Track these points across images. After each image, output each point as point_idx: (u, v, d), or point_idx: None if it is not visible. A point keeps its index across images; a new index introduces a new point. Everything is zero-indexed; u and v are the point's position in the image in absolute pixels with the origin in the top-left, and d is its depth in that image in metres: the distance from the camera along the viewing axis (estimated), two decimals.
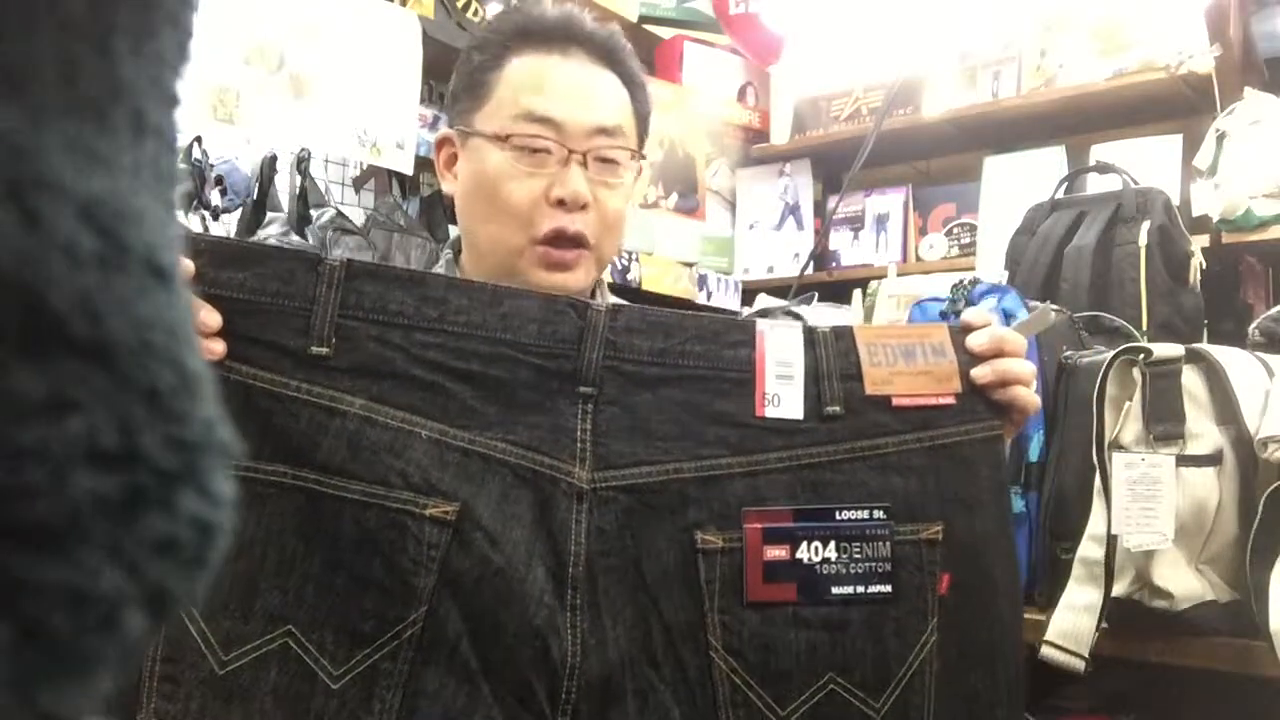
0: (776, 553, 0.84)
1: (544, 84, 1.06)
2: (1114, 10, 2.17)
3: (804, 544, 0.85)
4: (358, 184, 2.24)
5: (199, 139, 1.81)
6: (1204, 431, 1.17)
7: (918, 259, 2.48)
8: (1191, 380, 1.19)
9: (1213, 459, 1.17)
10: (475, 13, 2.16)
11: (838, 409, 0.87)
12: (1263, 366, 1.22)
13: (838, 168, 2.62)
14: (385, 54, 1.97)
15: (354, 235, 1.94)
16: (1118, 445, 1.20)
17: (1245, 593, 1.15)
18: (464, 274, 1.12)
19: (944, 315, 1.41)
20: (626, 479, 0.85)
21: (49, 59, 0.21)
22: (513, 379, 0.84)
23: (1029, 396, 0.92)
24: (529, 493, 0.83)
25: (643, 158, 1.13)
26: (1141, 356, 1.20)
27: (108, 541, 0.21)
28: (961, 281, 1.43)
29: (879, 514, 0.87)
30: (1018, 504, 1.35)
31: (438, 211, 2.17)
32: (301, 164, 1.96)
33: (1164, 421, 1.17)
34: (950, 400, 0.90)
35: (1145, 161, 2.00)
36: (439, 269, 1.15)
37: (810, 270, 2.59)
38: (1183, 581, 1.16)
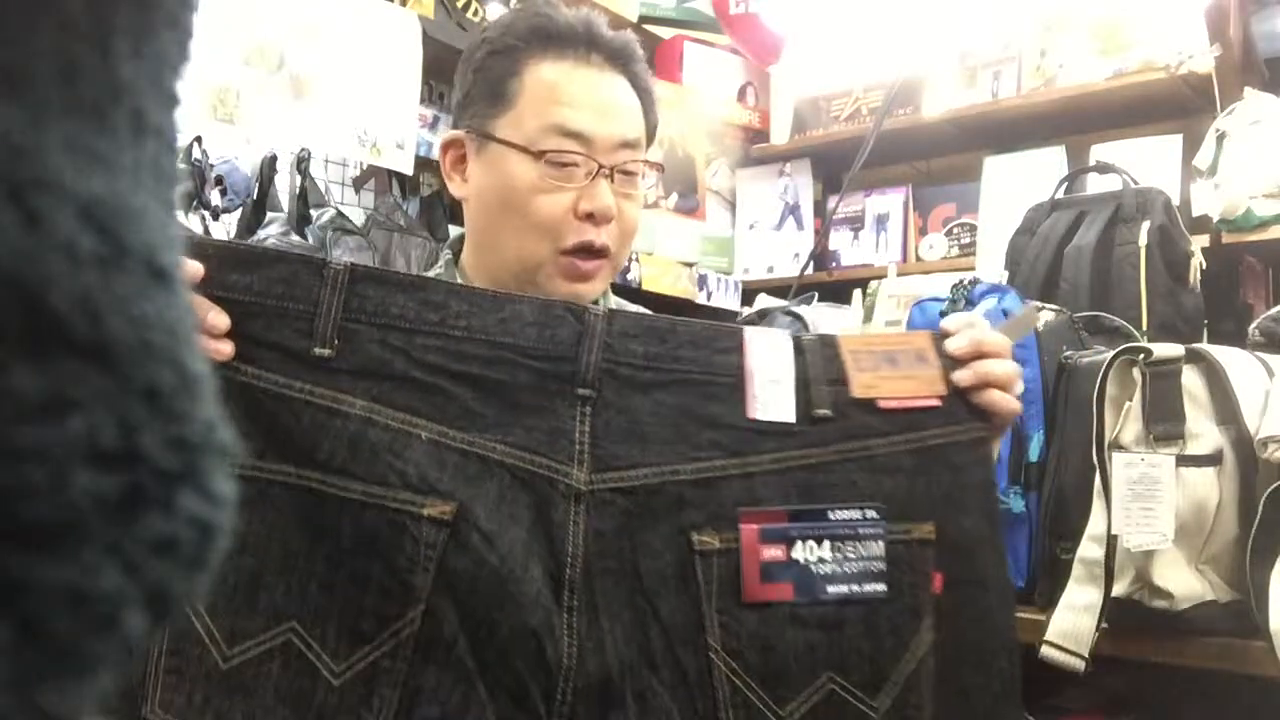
0: (773, 553, 0.85)
1: (570, 96, 1.05)
2: (1114, 10, 2.17)
3: (799, 544, 0.86)
4: (358, 184, 2.24)
5: (199, 139, 1.81)
6: (1204, 431, 1.17)
7: (918, 259, 2.48)
8: (1191, 380, 1.19)
9: (1213, 459, 1.17)
10: (475, 13, 2.16)
11: (826, 411, 0.88)
12: (1263, 366, 1.22)
13: (838, 168, 2.62)
14: (385, 54, 1.97)
15: (354, 235, 1.94)
16: (1118, 445, 1.20)
17: (1245, 593, 1.15)
18: (464, 275, 1.12)
19: (944, 315, 1.41)
20: (624, 481, 0.85)
21: (49, 59, 0.21)
22: (512, 382, 0.85)
23: (1006, 401, 0.92)
24: (527, 494, 0.84)
25: (660, 170, 1.14)
26: (1141, 356, 1.20)
27: (108, 541, 0.21)
28: (961, 281, 1.43)
29: (871, 513, 0.87)
30: (1018, 504, 1.35)
31: (438, 211, 2.17)
32: (301, 164, 1.96)
33: (1164, 421, 1.17)
34: (935, 402, 0.90)
35: (1145, 161, 2.00)
36: (438, 269, 1.15)
37: (810, 270, 2.59)
38: (1183, 581, 1.16)
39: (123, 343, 0.22)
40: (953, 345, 0.92)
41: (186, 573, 0.24)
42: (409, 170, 2.04)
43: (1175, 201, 1.84)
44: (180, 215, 1.61)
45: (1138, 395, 1.19)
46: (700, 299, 2.49)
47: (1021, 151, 2.30)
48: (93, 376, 0.21)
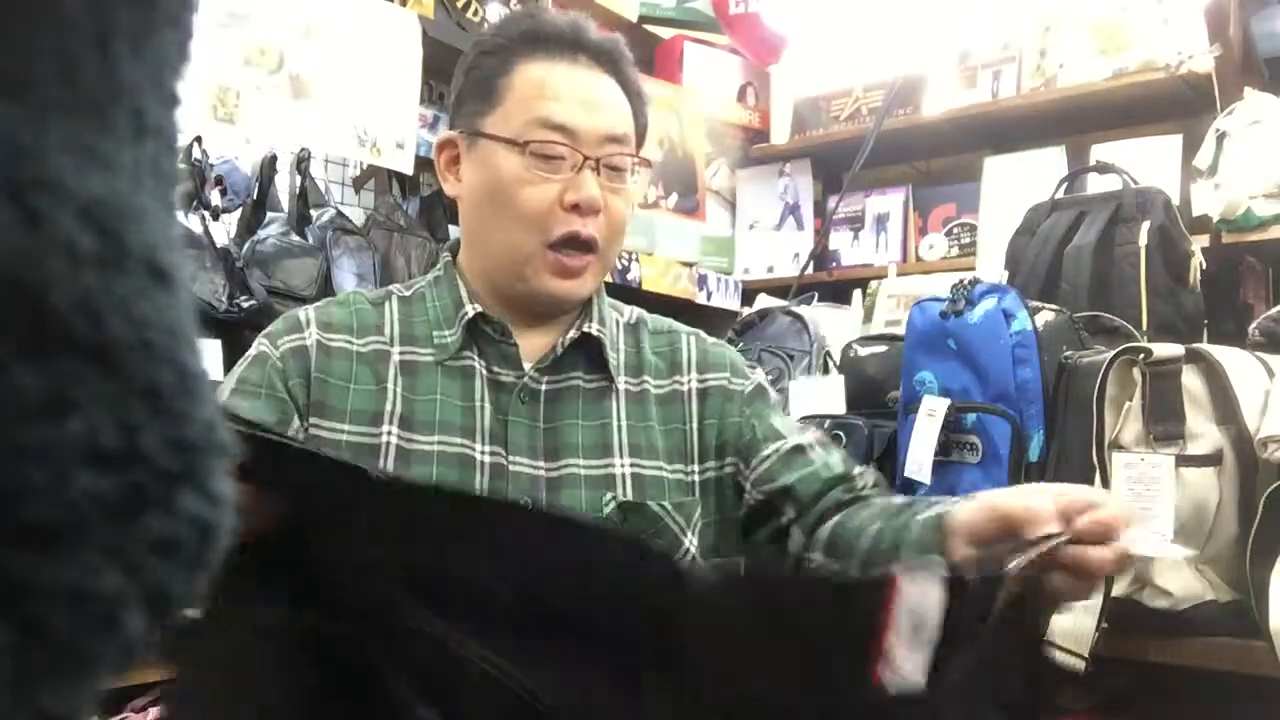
0: None
1: (556, 91, 1.08)
2: (1114, 10, 2.17)
3: None
4: (358, 184, 2.24)
5: (199, 139, 1.81)
6: (1204, 431, 1.17)
7: (918, 259, 2.48)
8: (1191, 380, 1.19)
9: (1213, 459, 1.17)
10: (475, 13, 2.16)
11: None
12: (1263, 366, 1.22)
13: (838, 168, 2.62)
14: (385, 54, 1.97)
15: (354, 235, 1.94)
16: (1118, 445, 1.20)
17: (1245, 593, 1.15)
18: (462, 276, 1.13)
19: (944, 315, 1.41)
20: None
21: (49, 59, 0.21)
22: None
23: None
24: None
25: (647, 165, 1.15)
26: (1141, 356, 1.20)
27: (108, 541, 0.21)
28: (961, 281, 1.43)
29: None
30: None
31: (438, 211, 2.17)
32: (301, 164, 1.96)
33: (1164, 421, 1.17)
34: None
35: (1145, 161, 2.00)
36: (437, 271, 1.16)
37: (810, 270, 2.59)
38: (1183, 581, 1.16)
39: (123, 343, 0.22)
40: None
41: (186, 573, 0.24)
42: (409, 170, 2.04)
43: (1175, 201, 1.84)
44: (180, 215, 1.61)
45: (1138, 395, 1.19)
46: (700, 299, 2.49)
47: (1021, 151, 2.30)
48: (93, 376, 0.21)
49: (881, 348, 1.68)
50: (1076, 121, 2.26)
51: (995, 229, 2.18)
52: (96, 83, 0.22)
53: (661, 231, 2.46)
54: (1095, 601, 1.19)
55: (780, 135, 2.77)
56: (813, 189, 2.69)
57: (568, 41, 1.09)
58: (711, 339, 1.23)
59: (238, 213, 1.91)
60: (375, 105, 1.94)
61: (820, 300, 2.33)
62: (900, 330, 1.65)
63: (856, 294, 2.27)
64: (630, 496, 1.06)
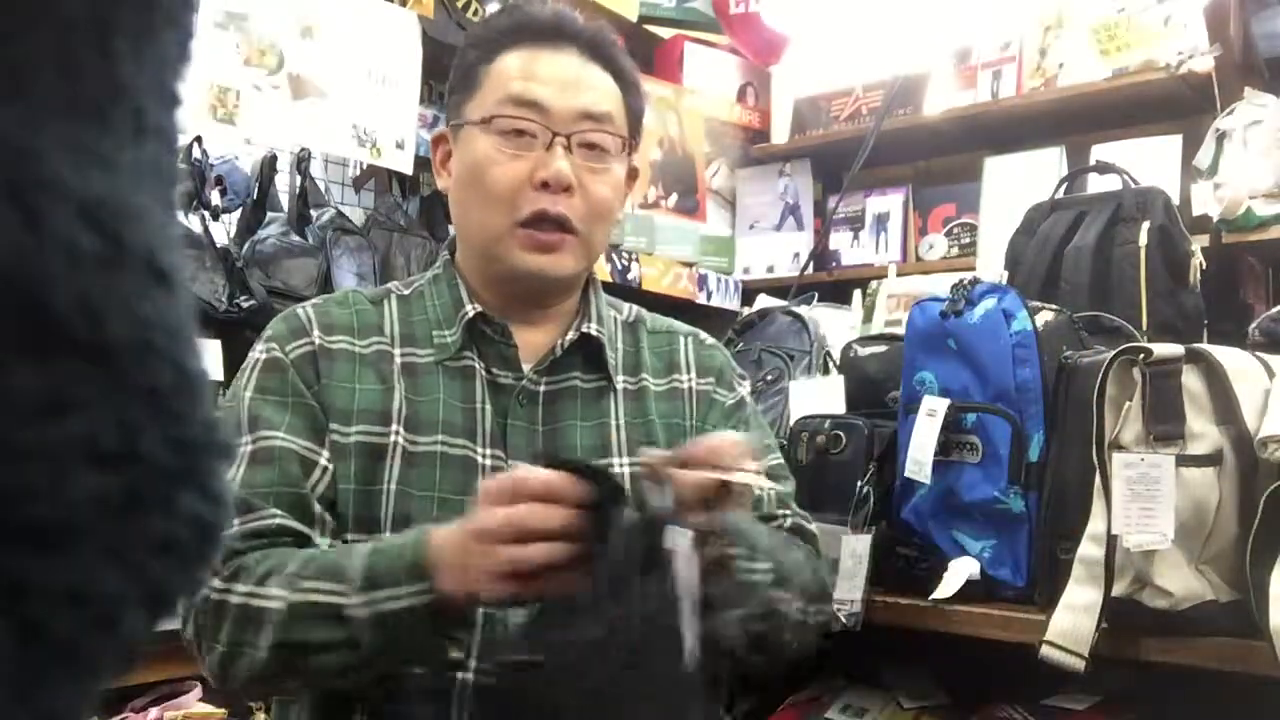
0: None
1: (532, 72, 1.08)
2: (1114, 10, 2.17)
3: None
4: (358, 184, 2.24)
5: (199, 139, 1.81)
6: (1204, 431, 1.17)
7: (918, 259, 2.48)
8: (1191, 380, 1.19)
9: (1213, 459, 1.17)
10: (475, 13, 2.16)
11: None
12: (1263, 366, 1.22)
13: (838, 168, 2.62)
14: (385, 54, 1.97)
15: (354, 235, 1.94)
16: (1118, 445, 1.20)
17: (1245, 593, 1.15)
18: (460, 272, 1.13)
19: (944, 315, 1.41)
20: None
21: (49, 59, 0.21)
22: None
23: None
24: None
25: (633, 145, 1.13)
26: (1141, 356, 1.20)
27: (108, 541, 0.21)
28: (961, 281, 1.43)
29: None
30: (1017, 504, 1.35)
31: (438, 211, 2.17)
32: (301, 164, 1.96)
33: (1164, 421, 1.17)
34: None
35: (1145, 161, 2.00)
36: (435, 270, 1.15)
37: (810, 270, 2.59)
38: (1183, 581, 1.16)
39: (123, 343, 0.22)
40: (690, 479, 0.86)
41: (186, 572, 0.24)
42: (409, 170, 2.04)
43: (1175, 201, 1.84)
44: (180, 215, 1.61)
45: (1138, 395, 1.19)
46: (700, 299, 2.49)
47: (1021, 151, 2.30)
48: (93, 376, 0.21)
49: (881, 348, 1.68)
50: (1076, 121, 2.26)
51: (995, 229, 2.18)
52: (96, 83, 0.22)
53: (661, 231, 2.46)
54: (1095, 601, 1.19)
55: (780, 135, 2.77)
56: (813, 189, 2.69)
57: (550, 30, 1.09)
58: (709, 341, 1.23)
59: (238, 213, 1.91)
60: (375, 105, 1.94)
61: (820, 300, 2.33)
62: (900, 330, 1.65)
63: (856, 294, 2.27)
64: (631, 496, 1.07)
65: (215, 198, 1.82)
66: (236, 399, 1.04)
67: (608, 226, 1.13)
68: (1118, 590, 1.19)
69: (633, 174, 1.18)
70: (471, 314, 1.09)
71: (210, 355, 1.60)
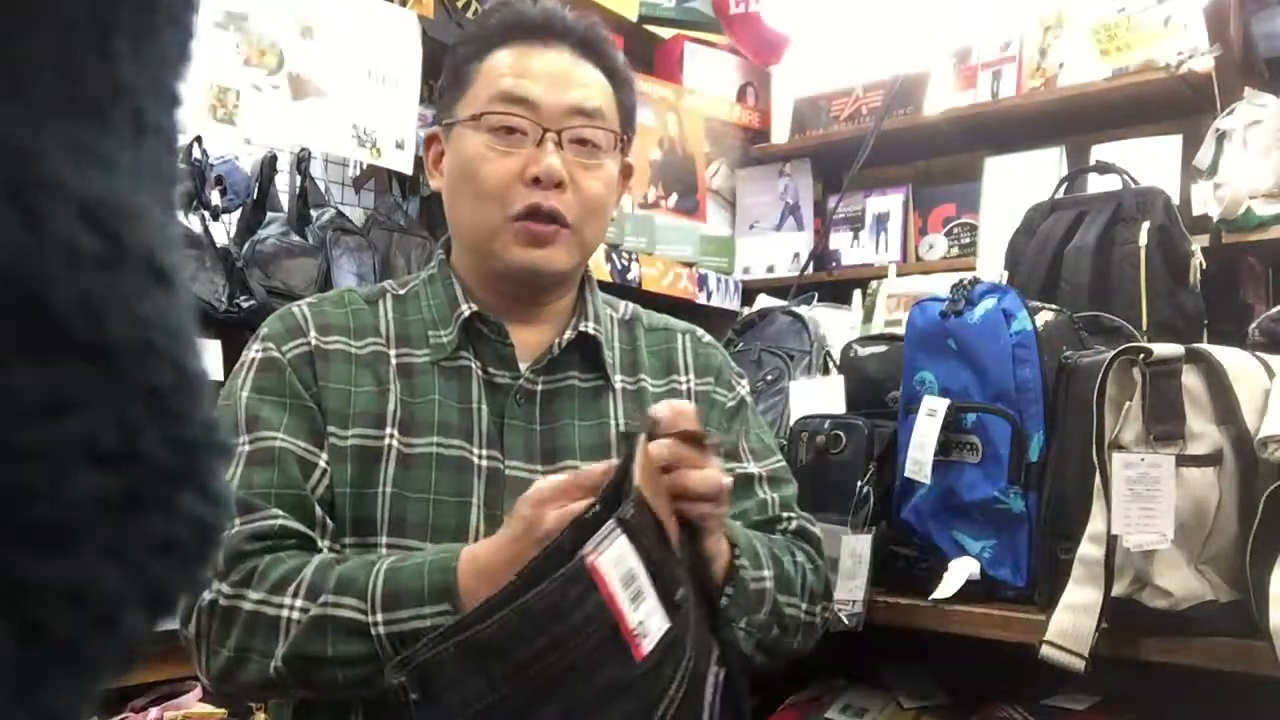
0: None
1: (522, 69, 1.08)
2: (1114, 10, 2.17)
3: None
4: (358, 184, 2.24)
5: (199, 139, 1.81)
6: (1204, 431, 1.17)
7: (918, 259, 2.48)
8: (1191, 380, 1.19)
9: (1213, 459, 1.17)
10: (475, 13, 2.16)
11: (682, 590, 0.79)
12: (1263, 366, 1.22)
13: (838, 168, 2.62)
14: (385, 54, 1.97)
15: (354, 235, 1.94)
16: (1118, 445, 1.20)
17: (1245, 593, 1.15)
18: (456, 272, 1.13)
19: (944, 315, 1.41)
20: None
21: (49, 59, 0.21)
22: None
23: (699, 509, 0.89)
24: None
25: (624, 140, 1.13)
26: (1141, 356, 1.20)
27: (108, 541, 0.21)
28: (961, 281, 1.43)
29: (715, 667, 0.84)
30: (1017, 504, 1.35)
31: (438, 211, 2.16)
32: (301, 164, 1.96)
33: (1164, 421, 1.17)
34: (676, 522, 0.86)
35: (1145, 161, 2.00)
36: (430, 269, 1.15)
37: (810, 270, 2.59)
38: (1183, 581, 1.16)
39: (123, 343, 0.22)
40: (655, 453, 0.86)
41: (186, 572, 0.24)
42: (409, 170, 2.04)
43: (1175, 201, 1.84)
44: (180, 215, 1.61)
45: (1138, 395, 1.19)
46: (700, 299, 2.49)
47: (1021, 151, 2.30)
48: (93, 376, 0.21)
49: (881, 348, 1.68)
50: (1076, 121, 2.26)
51: (995, 229, 2.18)
52: (96, 83, 0.22)
53: (661, 231, 2.46)
54: (1095, 601, 1.19)
55: (780, 135, 2.77)
56: (813, 189, 2.69)
57: (541, 27, 1.09)
58: (706, 339, 1.23)
59: (238, 213, 1.91)
60: (375, 105, 1.94)
61: (820, 300, 2.33)
62: (900, 330, 1.65)
63: (856, 294, 2.27)
64: None
65: (215, 198, 1.82)
66: (232, 398, 1.03)
67: (601, 223, 1.12)
68: (1118, 590, 1.19)
69: (627, 171, 1.17)
70: (467, 313, 1.08)
71: (210, 355, 1.60)
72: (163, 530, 0.23)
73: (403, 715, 0.70)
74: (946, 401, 1.38)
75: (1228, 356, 1.20)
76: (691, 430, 0.88)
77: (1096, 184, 1.97)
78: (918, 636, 1.42)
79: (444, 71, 1.14)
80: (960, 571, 1.37)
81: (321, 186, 2.06)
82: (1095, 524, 1.21)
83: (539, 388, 1.08)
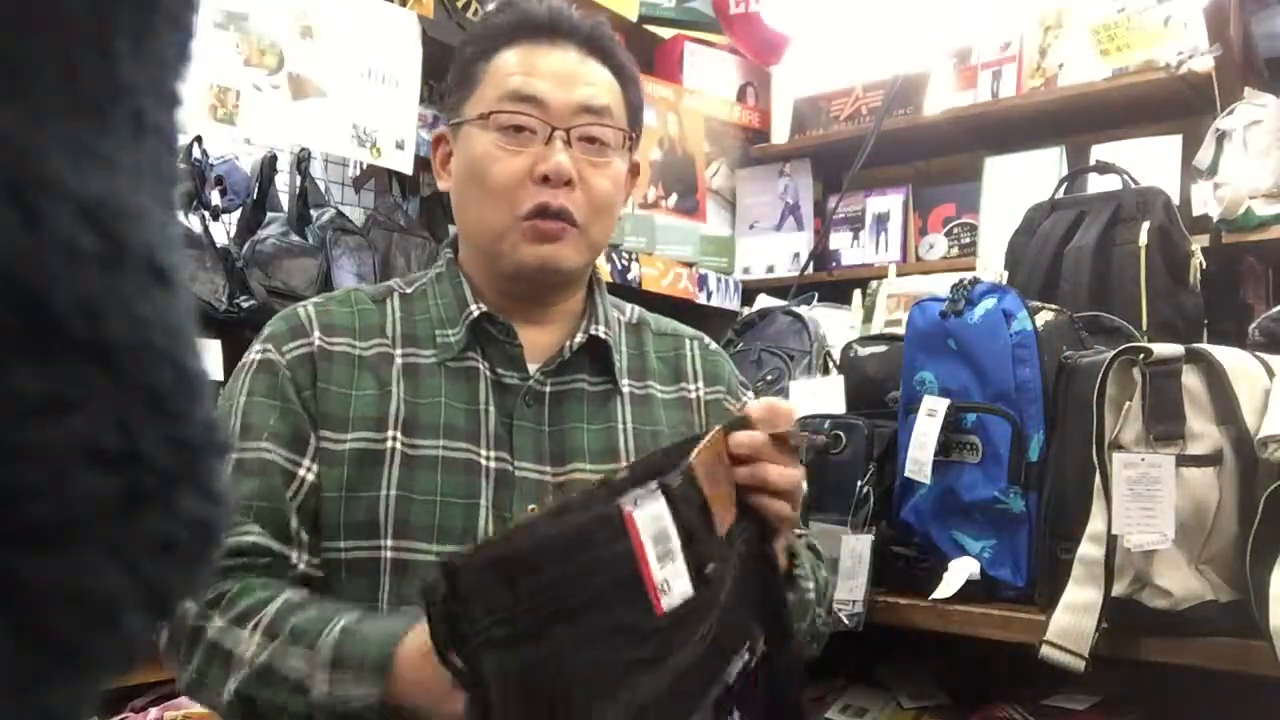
0: None
1: (529, 67, 1.07)
2: (1114, 10, 2.17)
3: None
4: (358, 184, 2.24)
5: (199, 139, 1.81)
6: (1204, 431, 1.17)
7: (918, 259, 2.48)
8: (1191, 380, 1.19)
9: (1213, 459, 1.17)
10: (475, 13, 2.16)
11: (714, 565, 0.79)
12: (1263, 366, 1.22)
13: (838, 168, 2.62)
14: (385, 54, 1.97)
15: (354, 235, 1.94)
16: (1118, 445, 1.20)
17: (1245, 593, 1.15)
18: (464, 272, 1.12)
19: (944, 315, 1.41)
20: None
21: (49, 59, 0.21)
22: None
23: (774, 506, 0.90)
24: None
25: (632, 138, 1.13)
26: (1141, 356, 1.20)
27: (108, 541, 0.21)
28: (961, 281, 1.43)
29: (745, 654, 0.85)
30: (1017, 504, 1.35)
31: (438, 211, 2.17)
32: (301, 164, 1.96)
33: (1164, 421, 1.17)
34: (735, 511, 0.87)
35: (1145, 161, 2.00)
36: (438, 268, 1.15)
37: (810, 270, 2.59)
38: (1183, 581, 1.16)
39: (123, 343, 0.22)
40: (735, 444, 0.88)
41: (186, 572, 0.24)
42: (409, 170, 2.04)
43: (1175, 201, 1.84)
44: (180, 215, 1.61)
45: (1138, 395, 1.19)
46: (700, 299, 2.49)
47: (1021, 151, 2.30)
48: (93, 376, 0.21)
49: (881, 348, 1.68)
50: (1076, 121, 2.26)
51: (995, 229, 2.18)
52: (96, 83, 0.22)
53: (661, 231, 2.46)
54: (1095, 601, 1.19)
55: (780, 135, 2.77)
56: (813, 189, 2.69)
57: (547, 26, 1.09)
58: (713, 346, 1.23)
59: (238, 213, 1.91)
60: (375, 105, 1.94)
61: (820, 300, 2.33)
62: (900, 330, 1.65)
63: (856, 294, 2.27)
64: None
65: (215, 198, 1.82)
66: (231, 401, 1.03)
67: (610, 221, 1.12)
68: (1118, 590, 1.19)
69: (634, 170, 1.17)
70: (476, 313, 1.07)
71: (210, 355, 1.60)
72: (163, 530, 0.23)
73: (432, 618, 0.71)
74: (946, 401, 1.38)
75: (1228, 356, 1.20)
76: (781, 431, 0.89)
77: (1096, 184, 1.97)
78: (918, 636, 1.42)
79: (450, 71, 1.14)
80: (960, 571, 1.37)
81: (321, 186, 2.06)
82: (1095, 524, 1.21)
83: (548, 389, 1.08)
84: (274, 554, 0.98)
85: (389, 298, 1.12)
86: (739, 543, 0.88)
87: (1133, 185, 1.79)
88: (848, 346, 1.76)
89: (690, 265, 2.50)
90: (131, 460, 0.22)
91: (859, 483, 1.50)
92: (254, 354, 1.06)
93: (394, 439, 1.02)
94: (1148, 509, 1.15)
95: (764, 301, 2.36)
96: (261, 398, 1.02)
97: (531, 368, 1.08)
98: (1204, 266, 1.74)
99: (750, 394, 1.25)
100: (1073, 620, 1.20)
